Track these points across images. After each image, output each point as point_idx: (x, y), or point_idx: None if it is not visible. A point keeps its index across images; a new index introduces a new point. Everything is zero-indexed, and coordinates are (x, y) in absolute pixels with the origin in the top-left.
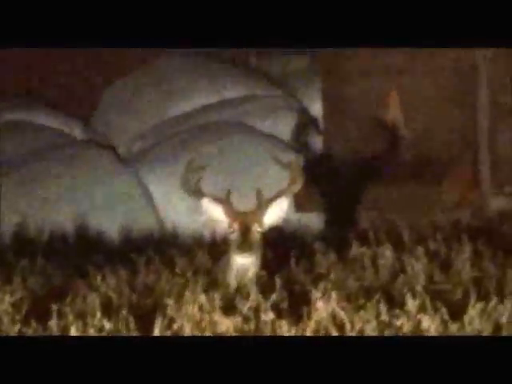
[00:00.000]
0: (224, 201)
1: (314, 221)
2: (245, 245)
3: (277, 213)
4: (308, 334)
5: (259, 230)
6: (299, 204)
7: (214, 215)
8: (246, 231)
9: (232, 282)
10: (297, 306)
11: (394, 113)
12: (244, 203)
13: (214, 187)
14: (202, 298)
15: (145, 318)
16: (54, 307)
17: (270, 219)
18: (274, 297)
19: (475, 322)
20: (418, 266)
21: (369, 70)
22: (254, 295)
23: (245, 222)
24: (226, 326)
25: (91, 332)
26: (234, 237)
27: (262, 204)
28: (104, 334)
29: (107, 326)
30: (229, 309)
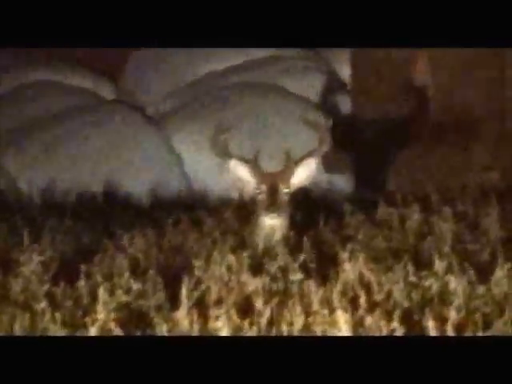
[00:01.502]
0: (252, 162)
1: (342, 182)
2: (272, 205)
3: (305, 174)
4: (335, 294)
5: (287, 190)
6: (327, 165)
7: (242, 176)
8: (273, 192)
9: (260, 242)
10: (324, 266)
11: (422, 74)
12: (272, 164)
13: (242, 148)
14: (230, 258)
15: (172, 279)
16: (83, 267)
17: (298, 180)
18: (301, 257)
19: (502, 282)
20: (445, 227)
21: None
22: (282, 255)
23: (272, 182)
24: (255, 285)
25: (119, 293)
26: (262, 198)
27: (290, 165)
28: (132, 294)
29: (135, 286)
30: (257, 269)
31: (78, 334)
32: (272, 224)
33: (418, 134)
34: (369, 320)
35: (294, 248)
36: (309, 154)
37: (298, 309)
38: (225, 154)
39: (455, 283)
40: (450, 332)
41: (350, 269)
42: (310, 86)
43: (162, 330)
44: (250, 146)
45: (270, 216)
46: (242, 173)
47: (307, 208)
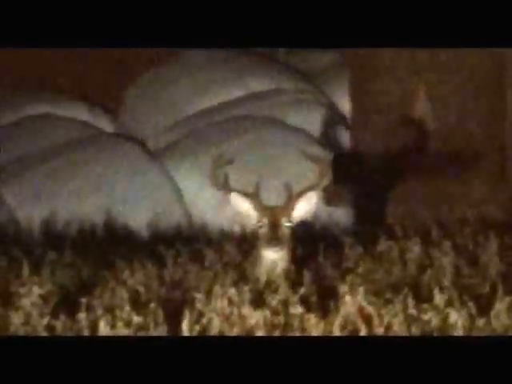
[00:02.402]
0: (252, 195)
1: (342, 215)
2: (274, 239)
3: (306, 207)
4: (336, 327)
5: (288, 224)
6: (328, 198)
7: (243, 209)
8: (275, 226)
9: (261, 276)
10: (325, 299)
11: (421, 107)
12: (273, 197)
13: (243, 181)
14: (232, 291)
15: (173, 312)
16: (83, 300)
17: (299, 213)
18: (302, 290)
19: (502, 316)
20: (445, 261)
21: (396, 66)
22: (283, 289)
23: (274, 216)
24: (255, 319)
25: (120, 325)
26: (263, 231)
27: (291, 198)
28: (132, 327)
29: (136, 319)
30: (258, 302)
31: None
32: (273, 258)
33: (417, 167)
34: None
35: (294, 281)
36: (310, 188)
37: None
38: (225, 187)
39: (455, 316)
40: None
41: (350, 302)
42: (310, 120)
43: None
44: (250, 179)
45: (271, 250)
46: (243, 206)
47: (307, 241)
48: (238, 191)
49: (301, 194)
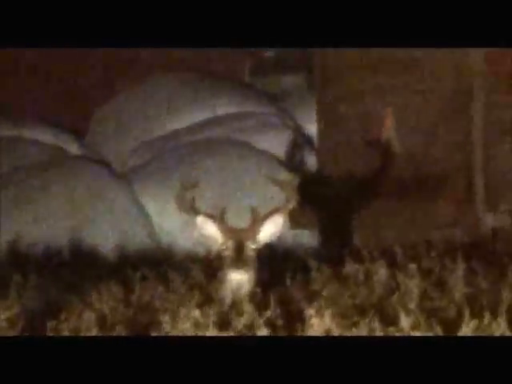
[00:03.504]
0: (218, 218)
1: (308, 238)
2: (238, 262)
3: (271, 230)
4: None
5: (253, 247)
6: (294, 221)
7: (209, 232)
8: (239, 248)
9: (227, 298)
10: (291, 322)
11: (388, 131)
12: (239, 220)
13: (208, 204)
14: (197, 313)
15: (140, 334)
16: (50, 324)
17: (264, 236)
18: (268, 313)
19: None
20: (411, 284)
21: (363, 89)
22: (249, 311)
23: (238, 239)
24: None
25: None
26: (228, 254)
27: (257, 221)
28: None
29: None
30: (223, 325)
31: None
32: (238, 280)
33: (383, 190)
34: None
35: (260, 304)
36: (275, 210)
37: None
38: (191, 210)
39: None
40: None
41: (317, 324)
42: (276, 143)
43: None
44: (216, 202)
45: (236, 272)
46: (208, 229)
47: (273, 264)
48: (204, 214)
49: (266, 216)
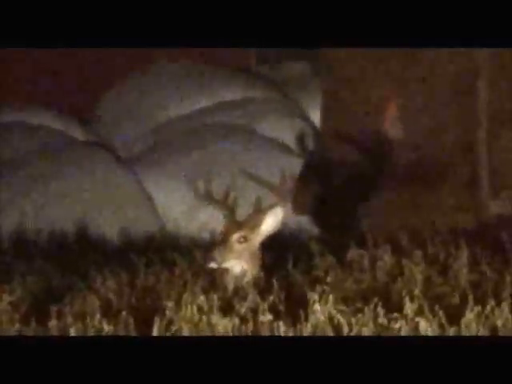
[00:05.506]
0: (230, 209)
1: (312, 223)
2: (210, 252)
3: (272, 221)
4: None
5: (242, 240)
6: (298, 207)
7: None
8: (223, 241)
9: (229, 284)
10: (294, 307)
11: (391, 118)
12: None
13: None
14: (201, 299)
15: (144, 320)
16: (54, 308)
17: (266, 228)
18: (271, 298)
19: (472, 325)
20: (415, 270)
21: (368, 77)
22: (252, 297)
23: (226, 230)
24: (224, 327)
25: (91, 333)
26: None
27: (258, 213)
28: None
29: (106, 327)
30: (227, 310)
31: None
32: (235, 269)
33: (388, 176)
34: None
35: (263, 289)
36: (276, 203)
37: None
38: (208, 199)
39: (425, 325)
40: None
41: (320, 310)
42: (280, 129)
43: None
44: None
45: (211, 263)
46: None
47: (277, 249)
48: (218, 205)
49: (267, 209)
